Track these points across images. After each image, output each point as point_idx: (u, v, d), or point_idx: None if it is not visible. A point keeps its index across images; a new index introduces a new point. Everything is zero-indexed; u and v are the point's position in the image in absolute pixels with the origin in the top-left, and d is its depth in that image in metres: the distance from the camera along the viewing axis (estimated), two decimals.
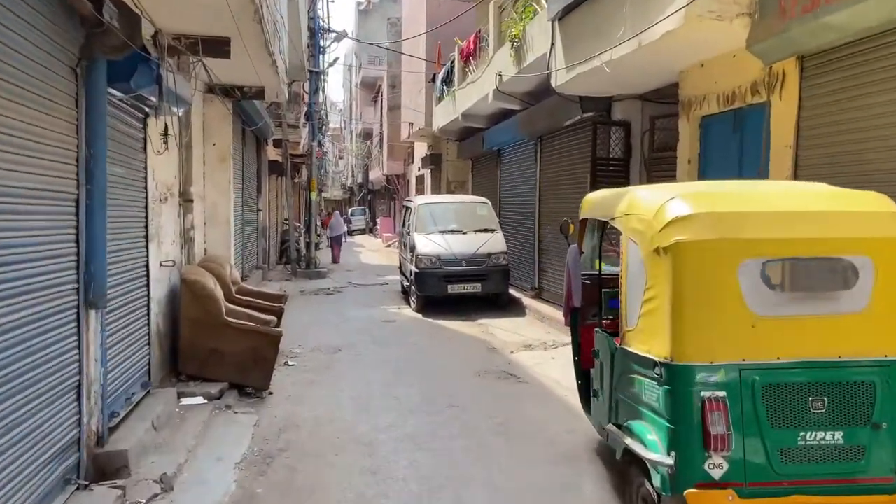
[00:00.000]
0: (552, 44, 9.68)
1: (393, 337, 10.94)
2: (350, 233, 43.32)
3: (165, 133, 5.72)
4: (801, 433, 3.68)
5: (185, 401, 6.67)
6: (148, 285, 6.50)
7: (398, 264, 16.69)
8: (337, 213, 29.38)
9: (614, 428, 4.47)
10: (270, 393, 7.42)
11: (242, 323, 7.35)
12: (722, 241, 3.78)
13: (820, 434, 3.68)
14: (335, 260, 24.21)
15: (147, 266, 6.46)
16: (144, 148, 6.33)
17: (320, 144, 23.91)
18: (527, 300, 13.40)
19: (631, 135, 9.92)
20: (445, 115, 18.51)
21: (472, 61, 15.55)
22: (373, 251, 31.50)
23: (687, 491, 3.58)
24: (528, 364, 8.95)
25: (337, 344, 10.19)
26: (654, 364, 3.91)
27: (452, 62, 17.52)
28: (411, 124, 24.29)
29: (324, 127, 26.82)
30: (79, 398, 4.70)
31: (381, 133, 37.16)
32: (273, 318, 8.18)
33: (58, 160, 4.43)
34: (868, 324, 3.79)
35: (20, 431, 3.91)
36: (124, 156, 5.79)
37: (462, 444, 5.98)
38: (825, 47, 6.02)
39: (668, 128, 9.18)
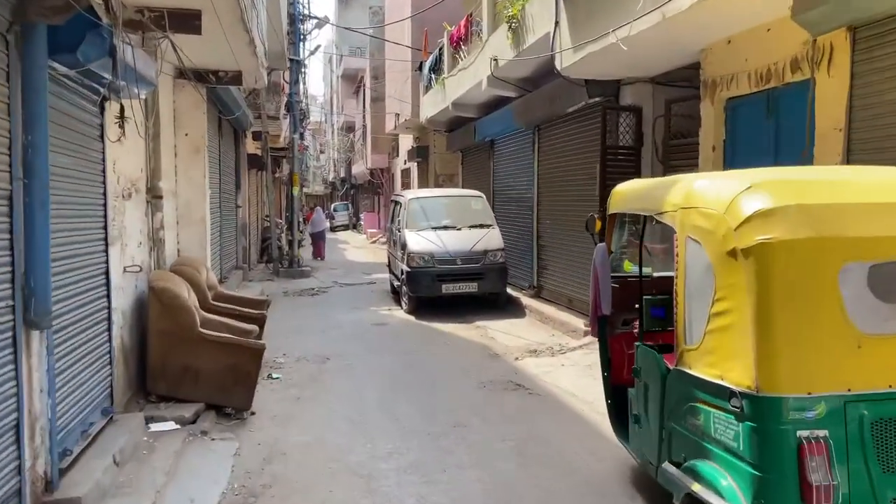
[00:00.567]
0: (556, 22, 8.88)
1: (385, 343, 10.12)
2: (333, 229, 42.51)
3: (121, 116, 4.85)
4: None
5: (155, 427, 5.82)
6: (108, 295, 5.63)
7: (386, 262, 15.87)
8: (318, 208, 28.66)
9: (673, 468, 3.69)
10: (253, 413, 6.58)
11: (220, 335, 6.50)
12: (820, 241, 3.02)
13: None
14: (319, 256, 23.59)
15: (107, 273, 5.59)
16: (102, 136, 5.45)
17: (302, 137, 22.98)
18: (525, 300, 12.63)
19: (642, 121, 9.16)
20: (434, 104, 17.66)
21: (462, 47, 14.72)
22: (357, 248, 30.59)
23: None
24: (536, 372, 8.18)
25: (325, 352, 9.36)
26: (732, 394, 3.15)
27: (441, 49, 16.68)
28: (397, 115, 23.41)
29: (305, 120, 25.88)
30: (18, 440, 3.86)
31: (363, 126, 36.19)
32: (254, 327, 7.33)
33: None
34: None
35: None
36: (76, 144, 4.91)
37: (475, 476, 5.18)
38: (880, 16, 5.30)
39: (685, 113, 8.43)
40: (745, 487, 3.07)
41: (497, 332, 10.76)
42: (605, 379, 5.16)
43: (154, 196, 7.27)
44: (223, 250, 13.06)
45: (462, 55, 14.73)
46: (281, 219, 24.63)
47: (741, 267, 3.10)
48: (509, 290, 13.03)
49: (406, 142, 26.63)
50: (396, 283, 13.67)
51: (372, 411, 6.82)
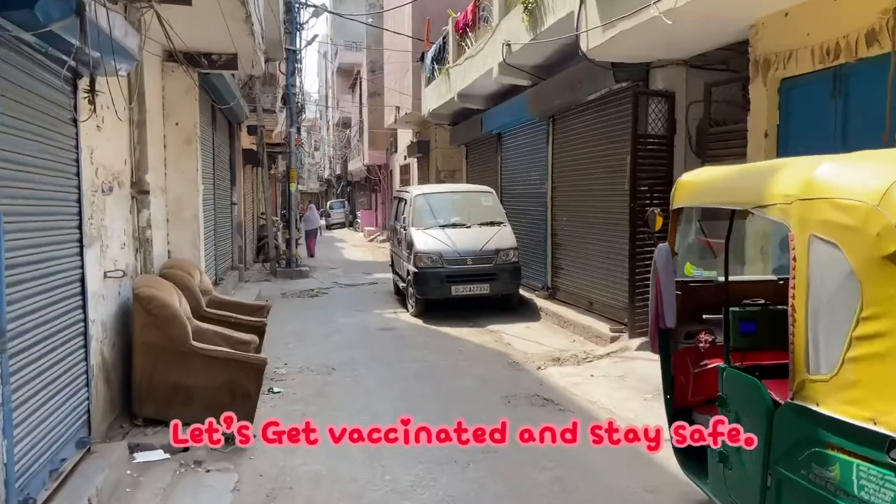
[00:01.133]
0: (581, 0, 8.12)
1: (394, 351, 9.34)
2: (329, 227, 41.72)
3: (91, 90, 4.03)
4: None
5: (140, 457, 5.04)
6: (84, 305, 4.82)
7: (389, 261, 15.07)
8: (313, 206, 28.09)
9: None
10: (253, 435, 5.80)
11: (216, 349, 5.72)
12: None
13: None
14: (310, 254, 23.27)
15: (83, 280, 4.79)
16: (75, 120, 4.66)
17: (298, 131, 22.16)
18: (540, 302, 11.86)
19: (675, 108, 8.40)
20: (437, 96, 16.84)
21: (469, 33, 13.92)
22: (355, 246, 29.75)
23: None
24: (564, 384, 7.41)
25: (329, 361, 8.57)
26: (892, 444, 2.39)
27: (445, 37, 15.88)
28: (397, 108, 22.57)
29: (302, 114, 25.05)
30: None
31: (360, 121, 35.32)
32: (254, 337, 6.55)
33: None
34: None
35: None
36: (42, 128, 4.12)
37: None
38: None
39: (727, 99, 7.66)
40: None
41: (512, 337, 10.01)
42: (667, 402, 4.41)
43: (140, 191, 6.48)
44: (218, 250, 12.25)
45: (469, 43, 13.93)
46: (277, 216, 24.00)
47: None
48: (521, 292, 12.27)
49: (405, 137, 25.82)
50: (401, 284, 12.89)
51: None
